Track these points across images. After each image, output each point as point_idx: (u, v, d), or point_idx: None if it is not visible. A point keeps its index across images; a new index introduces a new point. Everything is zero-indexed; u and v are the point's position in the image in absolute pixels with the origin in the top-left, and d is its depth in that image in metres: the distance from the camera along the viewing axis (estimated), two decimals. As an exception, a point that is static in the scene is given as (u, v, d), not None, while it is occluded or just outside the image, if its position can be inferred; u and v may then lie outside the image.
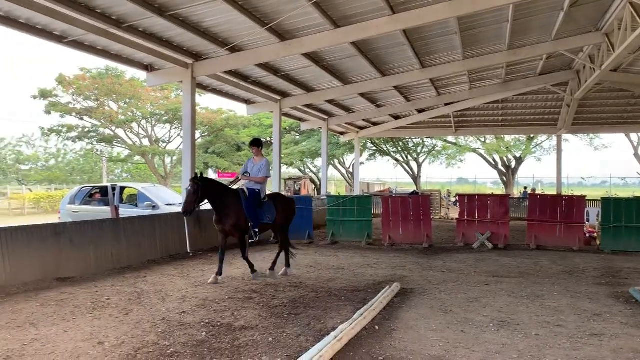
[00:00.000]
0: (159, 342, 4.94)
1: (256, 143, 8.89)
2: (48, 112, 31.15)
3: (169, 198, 14.67)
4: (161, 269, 9.32)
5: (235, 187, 8.71)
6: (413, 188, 37.02)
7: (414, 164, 41.55)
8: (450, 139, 37.38)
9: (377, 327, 5.47)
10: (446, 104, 21.73)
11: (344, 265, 9.88)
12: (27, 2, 8.26)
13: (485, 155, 38.84)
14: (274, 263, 8.86)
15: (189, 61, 12.23)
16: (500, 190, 41.33)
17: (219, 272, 8.04)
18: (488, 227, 12.88)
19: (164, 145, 37.37)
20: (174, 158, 37.34)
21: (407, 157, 41.13)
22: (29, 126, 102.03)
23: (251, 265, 8.41)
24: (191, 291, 7.37)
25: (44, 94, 30.64)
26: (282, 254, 9.07)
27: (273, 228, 9.19)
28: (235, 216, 8.09)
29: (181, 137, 35.62)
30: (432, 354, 4.65)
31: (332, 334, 4.86)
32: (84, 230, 8.93)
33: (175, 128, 35.95)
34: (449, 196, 29.46)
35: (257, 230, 8.33)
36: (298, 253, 11.58)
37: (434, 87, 18.59)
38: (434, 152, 40.92)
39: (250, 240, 8.35)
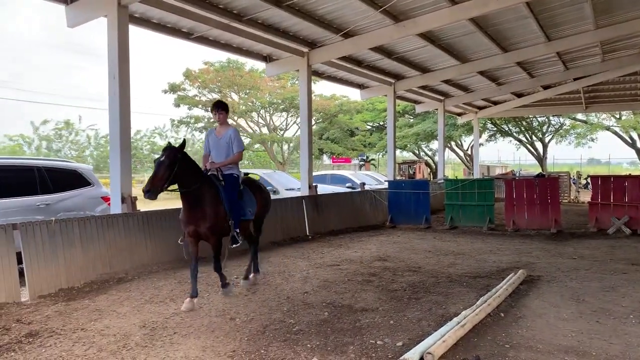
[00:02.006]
0: (285, 320, 5.18)
1: (221, 106, 6.58)
2: (177, 105, 33.63)
3: (288, 183, 15.23)
4: (283, 250, 9.73)
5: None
6: (538, 170, 34.79)
7: (538, 145, 38.95)
8: (580, 116, 34.47)
9: (502, 315, 5.27)
10: (575, 79, 20.01)
11: (465, 251, 9.60)
12: (159, 3, 8.93)
13: (621, 133, 35.31)
14: (250, 269, 7.06)
15: (305, 49, 12.51)
16: (639, 171, 37.45)
17: (194, 294, 5.76)
18: (625, 211, 11.76)
19: (282, 132, 38.72)
20: (291, 145, 38.55)
21: (531, 137, 38.66)
22: (161, 119, 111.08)
23: (223, 277, 6.33)
24: (312, 272, 7.61)
25: (173, 88, 33.10)
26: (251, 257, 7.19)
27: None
28: (214, 213, 5.98)
29: (297, 124, 36.93)
30: (564, 344, 4.38)
31: (455, 319, 4.77)
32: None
33: (292, 116, 37.05)
34: (579, 178, 27.29)
35: (238, 230, 6.32)
36: (415, 237, 11.50)
37: (561, 61, 17.21)
38: (561, 131, 37.99)
39: (232, 245, 6.39)
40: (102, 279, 7.05)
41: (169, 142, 5.99)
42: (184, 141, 5.97)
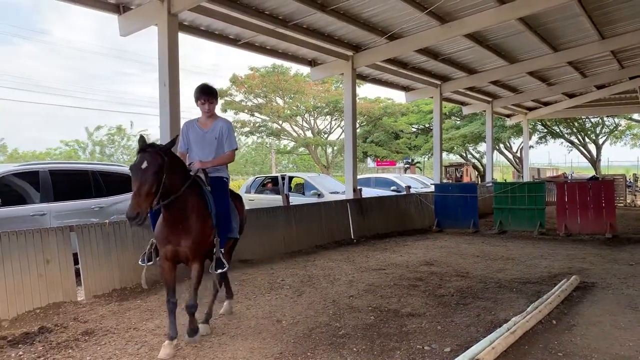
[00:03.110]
0: (331, 324, 5.19)
1: (210, 92, 5.09)
2: (224, 110, 34.29)
3: (333, 186, 15.24)
4: (328, 253, 9.74)
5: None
6: (591, 173, 33.52)
7: (592, 146, 37.55)
8: (636, 116, 33.00)
9: (554, 322, 5.10)
10: (631, 78, 19.17)
11: (514, 256, 9.36)
12: (208, 11, 9.15)
13: (682, 134, 33.61)
14: (211, 309, 5.30)
15: (349, 53, 12.52)
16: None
17: (173, 334, 4.48)
18: (688, 216, 11.18)
19: (326, 136, 38.84)
20: (335, 148, 38.60)
21: (583, 138, 37.31)
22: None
23: (194, 320, 4.71)
24: (357, 276, 7.59)
25: (220, 94, 33.78)
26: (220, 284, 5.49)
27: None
28: (200, 228, 4.58)
29: (341, 127, 36.95)
30: (621, 354, 4.20)
31: (505, 325, 4.65)
32: (259, 216, 9.69)
33: (336, 119, 37.10)
34: (636, 181, 26.11)
35: (223, 251, 4.87)
36: (463, 242, 11.29)
37: (616, 60, 16.54)
38: (616, 132, 36.51)
39: (217, 270, 4.77)
40: (153, 280, 7.26)
41: (142, 137, 4.32)
42: (175, 139, 4.65)
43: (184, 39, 10.05)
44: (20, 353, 4.47)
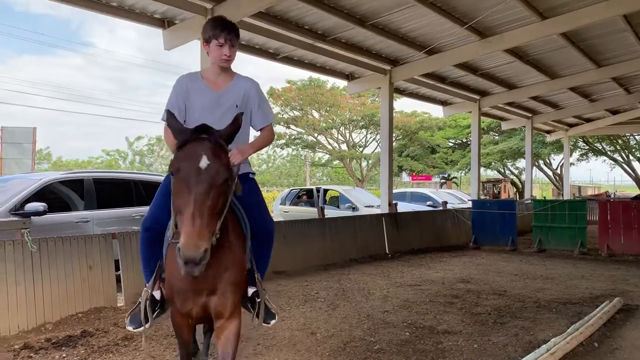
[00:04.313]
0: (365, 338, 5.17)
1: (230, 26, 3.23)
2: (261, 123, 34.79)
3: (367, 200, 15.23)
4: (362, 267, 9.71)
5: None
6: (635, 191, 32.41)
7: (636, 164, 36.35)
8: (685, 134, 31.80)
9: (596, 344, 4.94)
10: (680, 94, 18.58)
11: (553, 275, 9.12)
12: (249, 25, 9.33)
13: None
14: None
15: (387, 67, 12.55)
16: None
17: None
18: None
19: (361, 149, 38.84)
20: (370, 162, 38.55)
21: (627, 156, 36.17)
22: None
23: None
24: (392, 291, 7.54)
25: (258, 106, 34.28)
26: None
27: None
28: (240, 261, 3.05)
29: (376, 141, 36.93)
30: (670, 383, 4.05)
31: (544, 346, 4.54)
32: (294, 228, 9.75)
33: (371, 133, 37.09)
34: (684, 201, 25.13)
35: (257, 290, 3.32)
36: (500, 259, 11.06)
37: (664, 75, 16.06)
38: (662, 149, 35.28)
39: (271, 322, 3.46)
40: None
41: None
42: (239, 116, 2.80)
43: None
44: (64, 355, 4.62)
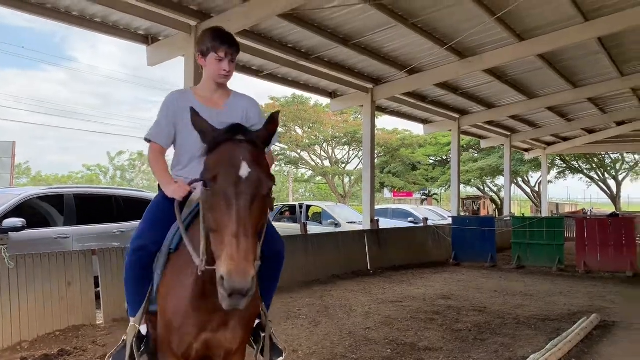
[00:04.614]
0: (347, 355, 5.18)
1: (231, 40, 2.94)
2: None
3: (350, 216, 15.28)
4: (345, 284, 9.72)
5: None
6: (611, 209, 33.05)
7: (611, 183, 37.16)
8: (658, 153, 32.65)
9: (574, 361, 5.04)
10: (652, 114, 19.13)
11: (532, 292, 9.24)
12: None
13: None
14: None
15: (369, 86, 12.72)
16: None
17: None
18: None
19: (343, 165, 39.02)
20: (352, 178, 38.71)
21: (603, 174, 36.97)
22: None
23: None
24: (374, 308, 7.57)
25: (240, 122, 34.28)
26: None
27: None
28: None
29: (359, 157, 37.13)
30: (644, 398, 4.13)
31: (524, 363, 4.61)
32: (276, 245, 9.72)
33: (354, 149, 37.32)
34: (658, 219, 25.68)
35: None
36: (480, 276, 11.16)
37: (636, 97, 16.51)
38: (636, 168, 36.14)
39: None
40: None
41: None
42: (276, 115, 2.42)
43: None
44: (41, 374, 4.54)
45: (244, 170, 2.10)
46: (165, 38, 9.00)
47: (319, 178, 41.02)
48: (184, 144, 2.90)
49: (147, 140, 2.92)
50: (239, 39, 9.05)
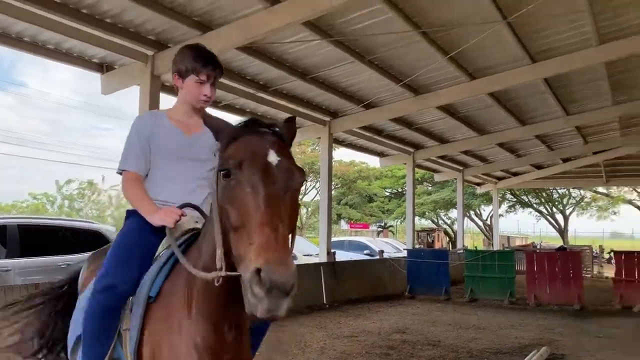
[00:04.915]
0: (301, 393, 5.06)
1: (216, 62, 2.64)
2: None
3: (306, 249, 15.21)
4: (300, 318, 9.58)
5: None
6: (559, 242, 34.22)
7: (559, 217, 38.55)
8: (601, 189, 34.26)
9: (526, 396, 5.08)
10: (595, 153, 20.07)
11: (485, 325, 9.36)
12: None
13: (644, 207, 34.87)
14: None
15: (327, 118, 12.87)
16: (664, 246, 36.49)
17: None
18: (652, 289, 11.43)
19: (300, 197, 39.02)
20: (309, 209, 38.74)
21: (551, 208, 38.35)
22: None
23: None
24: (329, 343, 7.47)
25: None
26: None
27: None
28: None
29: (316, 189, 37.26)
30: None
31: (477, 399, 4.62)
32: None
33: (311, 181, 37.45)
34: (602, 253, 26.75)
35: None
36: (435, 309, 11.25)
37: (581, 135, 17.36)
38: (582, 203, 37.71)
39: None
40: None
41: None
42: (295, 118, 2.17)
43: (164, 98, 10.32)
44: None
45: (273, 157, 1.83)
46: (121, 67, 8.87)
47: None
48: (157, 169, 2.60)
49: (121, 172, 2.58)
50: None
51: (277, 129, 1.99)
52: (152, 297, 2.16)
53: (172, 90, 10.12)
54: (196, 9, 7.43)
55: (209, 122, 2.08)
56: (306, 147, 35.63)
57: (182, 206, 2.39)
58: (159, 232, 2.38)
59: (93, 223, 9.90)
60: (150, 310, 2.16)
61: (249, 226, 1.69)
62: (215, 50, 2.73)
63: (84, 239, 8.64)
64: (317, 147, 33.17)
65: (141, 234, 2.41)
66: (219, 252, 1.84)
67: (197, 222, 2.47)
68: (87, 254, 8.69)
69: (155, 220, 2.31)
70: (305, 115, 12.41)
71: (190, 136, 2.64)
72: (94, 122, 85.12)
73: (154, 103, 8.46)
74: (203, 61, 2.59)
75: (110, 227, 10.20)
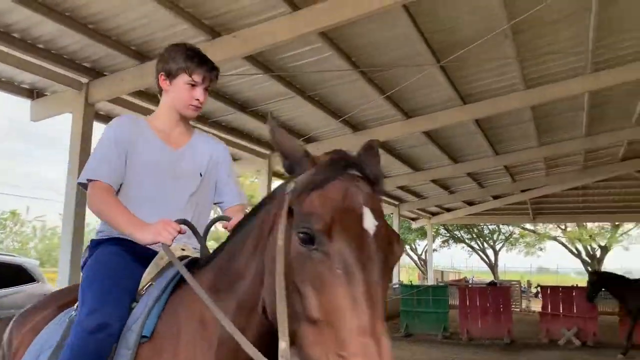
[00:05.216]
0: None
1: (211, 65, 2.37)
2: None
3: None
4: None
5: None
6: (490, 277, 35.37)
7: (490, 252, 39.95)
8: (528, 226, 35.93)
9: None
10: (522, 191, 21.16)
11: (420, 360, 9.46)
12: (126, 103, 9.12)
13: (567, 244, 36.80)
14: None
15: (267, 152, 12.87)
16: (584, 281, 38.52)
17: None
18: (574, 322, 11.99)
19: (238, 230, 38.50)
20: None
21: (482, 244, 39.72)
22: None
23: None
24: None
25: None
26: None
27: None
28: None
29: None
30: None
31: None
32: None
33: (249, 214, 37.10)
34: (529, 287, 27.87)
35: None
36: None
37: (509, 174, 18.27)
38: (511, 239, 39.32)
39: None
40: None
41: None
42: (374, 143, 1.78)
43: (99, 127, 10.00)
44: None
45: (370, 221, 1.38)
46: (53, 93, 8.53)
47: (211, 242, 39.91)
48: (130, 184, 2.24)
49: (87, 181, 2.14)
50: (132, 99, 8.82)
51: (369, 171, 1.52)
52: (147, 336, 1.81)
53: (107, 119, 9.85)
54: (134, 38, 7.30)
55: (281, 143, 1.62)
56: (245, 179, 35.35)
57: (181, 221, 2.01)
58: (142, 260, 2.05)
59: (15, 257, 9.30)
60: (141, 356, 1.79)
61: (339, 327, 1.26)
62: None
63: (5, 274, 8.13)
64: (256, 179, 32.96)
65: (124, 260, 2.07)
66: (283, 344, 1.33)
67: (184, 249, 2.15)
68: (8, 290, 8.20)
69: (147, 236, 1.89)
70: (244, 148, 12.36)
71: (175, 150, 2.33)
72: (19, 147, 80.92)
73: (87, 132, 8.16)
74: (198, 60, 2.31)
75: (33, 261, 9.63)
